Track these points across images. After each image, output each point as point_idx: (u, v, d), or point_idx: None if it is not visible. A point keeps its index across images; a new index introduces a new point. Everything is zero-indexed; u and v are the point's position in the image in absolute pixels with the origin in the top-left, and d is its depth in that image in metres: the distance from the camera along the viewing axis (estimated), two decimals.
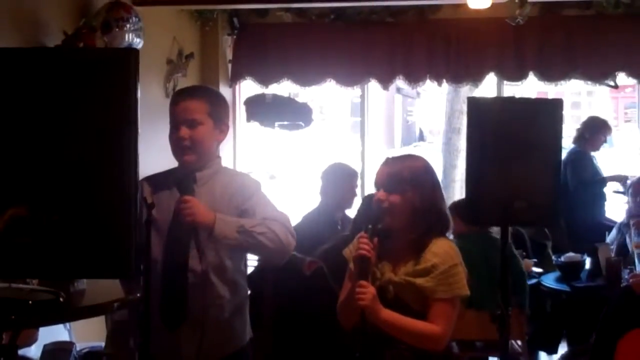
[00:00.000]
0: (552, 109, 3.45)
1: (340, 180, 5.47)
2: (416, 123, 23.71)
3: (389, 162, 3.07)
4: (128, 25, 5.23)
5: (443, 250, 2.97)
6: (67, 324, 4.64)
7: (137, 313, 3.13)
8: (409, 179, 2.98)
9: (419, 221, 2.99)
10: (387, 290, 2.95)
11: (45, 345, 4.18)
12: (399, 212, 2.97)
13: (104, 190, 2.27)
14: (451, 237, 5.61)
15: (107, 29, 5.17)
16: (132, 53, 2.28)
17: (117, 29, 5.19)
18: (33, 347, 4.18)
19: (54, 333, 4.40)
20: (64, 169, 2.27)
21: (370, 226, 2.93)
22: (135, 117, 2.24)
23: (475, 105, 3.44)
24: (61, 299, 2.74)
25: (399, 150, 18.53)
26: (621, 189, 7.11)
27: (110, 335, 3.27)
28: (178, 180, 3.11)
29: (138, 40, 5.33)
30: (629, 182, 6.83)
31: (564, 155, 7.18)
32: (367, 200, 4.45)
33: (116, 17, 5.21)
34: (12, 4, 4.66)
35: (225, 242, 3.05)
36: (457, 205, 5.30)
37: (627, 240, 5.58)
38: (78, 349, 4.41)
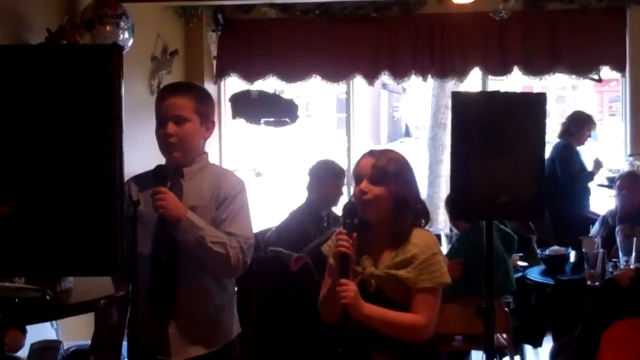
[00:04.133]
0: (536, 103, 3.46)
1: (326, 178, 5.48)
2: (402, 118, 23.69)
3: (374, 154, 3.07)
4: (111, 23, 5.22)
5: (422, 240, 2.99)
6: (55, 323, 4.64)
7: (125, 308, 3.13)
8: (393, 172, 2.99)
9: (401, 214, 3.00)
10: (368, 284, 2.97)
11: (32, 344, 4.18)
12: (381, 204, 2.98)
13: (89, 187, 2.28)
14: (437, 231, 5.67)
15: (90, 26, 5.16)
16: (115, 49, 2.29)
17: (107, 27, 5.19)
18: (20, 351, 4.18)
19: (41, 332, 4.40)
20: (48, 166, 2.27)
21: (348, 221, 2.94)
22: (119, 113, 2.25)
23: (460, 100, 3.45)
24: (47, 297, 2.74)
25: (385, 146, 18.53)
26: (606, 182, 7.15)
27: (96, 315, 3.30)
28: (155, 172, 3.11)
29: (125, 37, 5.32)
30: (610, 174, 6.90)
31: (550, 149, 7.24)
32: None
33: (100, 14, 5.21)
34: None
35: (181, 241, 3.07)
36: None
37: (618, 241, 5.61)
38: (65, 347, 4.42)
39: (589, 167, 7.34)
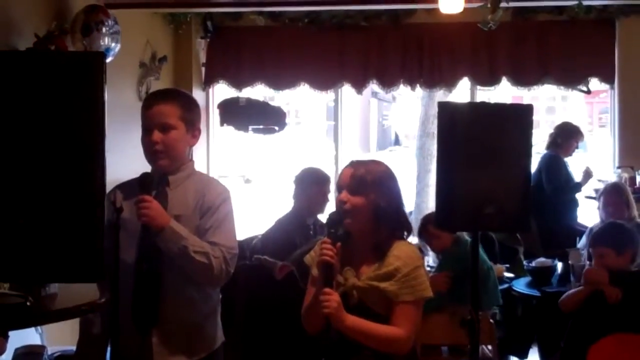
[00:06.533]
0: (523, 114, 3.45)
1: (312, 186, 5.47)
2: (392, 127, 23.72)
3: (354, 164, 3.08)
4: (105, 29, 5.23)
5: (405, 253, 2.98)
6: (39, 328, 4.61)
7: (107, 316, 3.11)
8: (371, 181, 2.99)
9: (382, 225, 3.00)
10: (350, 295, 2.96)
11: (16, 349, 4.15)
12: (361, 214, 2.98)
13: (71, 193, 2.26)
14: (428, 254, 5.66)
15: (87, 32, 5.16)
16: (98, 56, 2.28)
17: (102, 33, 5.20)
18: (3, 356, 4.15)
19: (25, 337, 4.37)
20: (30, 172, 2.25)
21: (332, 230, 2.94)
22: (102, 119, 2.24)
23: (446, 110, 3.44)
24: (28, 303, 2.72)
25: (374, 154, 18.54)
26: (593, 194, 7.15)
27: (80, 322, 3.30)
28: (140, 180, 3.10)
29: (114, 44, 5.33)
30: (600, 185, 6.89)
31: (537, 160, 7.24)
32: None
33: (96, 20, 5.21)
34: None
35: (164, 249, 3.06)
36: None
37: None
38: (49, 352, 4.39)
39: (577, 178, 7.34)
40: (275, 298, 5.00)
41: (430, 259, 5.74)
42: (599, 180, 7.35)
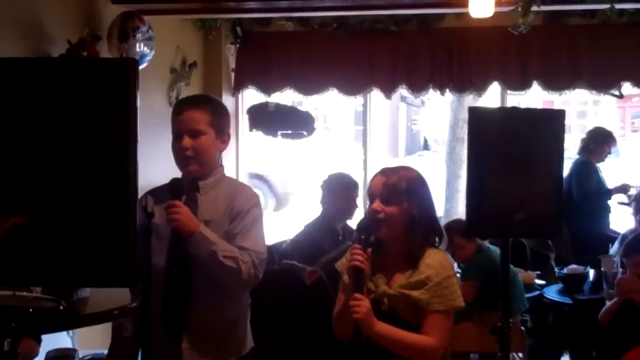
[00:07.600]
0: (554, 119, 3.42)
1: (339, 191, 5.46)
2: (421, 132, 23.67)
3: (385, 172, 3.06)
4: (140, 35, 5.26)
5: (437, 261, 2.97)
6: (70, 331, 4.65)
7: (137, 320, 3.13)
8: (405, 190, 2.98)
9: (414, 233, 2.98)
10: (381, 302, 2.95)
11: (48, 352, 4.19)
12: (395, 223, 2.97)
13: (104, 198, 2.27)
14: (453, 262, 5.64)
15: (124, 38, 5.20)
16: (131, 63, 2.29)
17: (138, 39, 5.24)
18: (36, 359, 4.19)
19: (57, 340, 4.41)
20: (64, 177, 2.27)
21: (363, 237, 2.93)
22: (134, 126, 2.25)
23: (477, 115, 3.41)
24: (61, 307, 2.74)
25: (403, 159, 18.50)
26: (626, 200, 7.08)
27: (113, 326, 3.34)
28: (170, 185, 3.12)
29: (149, 50, 5.36)
30: (632, 192, 6.81)
31: (569, 165, 7.18)
32: None
33: (132, 26, 5.25)
34: (17, 13, 4.67)
35: (194, 254, 3.07)
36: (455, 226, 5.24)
37: None
38: (81, 355, 4.42)
39: (609, 185, 7.27)
40: (304, 303, 5.00)
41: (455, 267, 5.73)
42: (633, 187, 7.26)
